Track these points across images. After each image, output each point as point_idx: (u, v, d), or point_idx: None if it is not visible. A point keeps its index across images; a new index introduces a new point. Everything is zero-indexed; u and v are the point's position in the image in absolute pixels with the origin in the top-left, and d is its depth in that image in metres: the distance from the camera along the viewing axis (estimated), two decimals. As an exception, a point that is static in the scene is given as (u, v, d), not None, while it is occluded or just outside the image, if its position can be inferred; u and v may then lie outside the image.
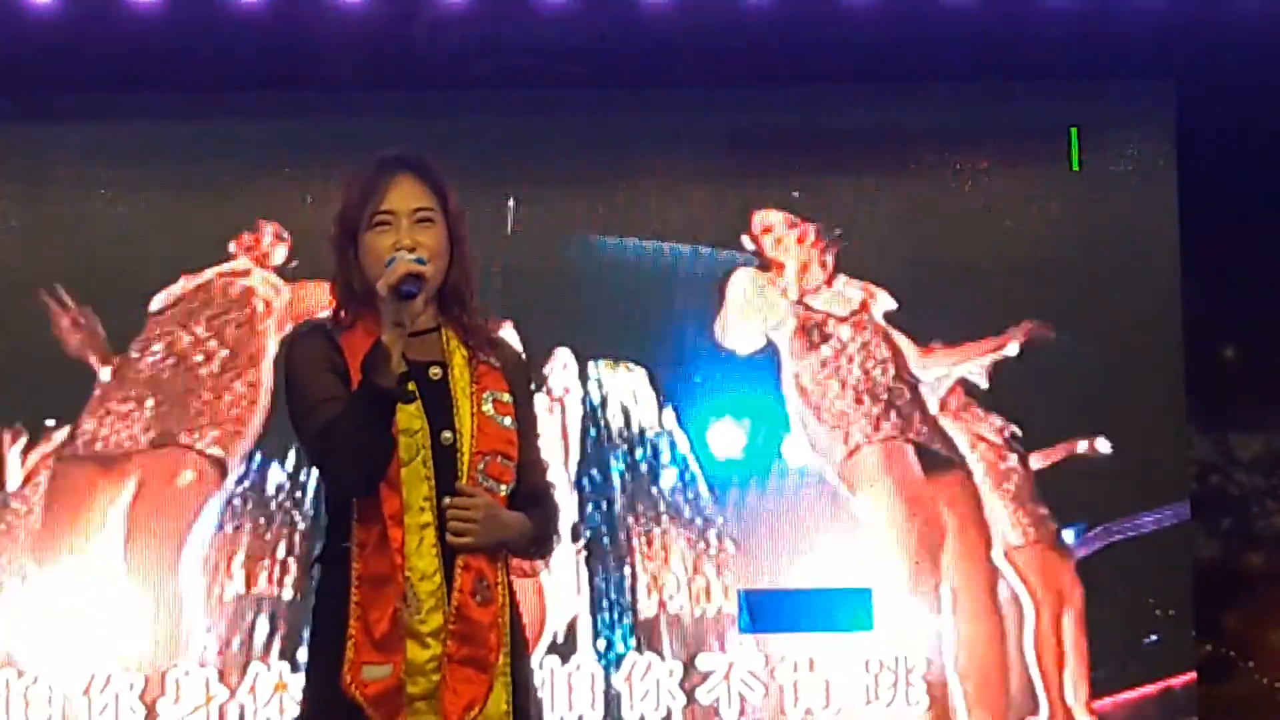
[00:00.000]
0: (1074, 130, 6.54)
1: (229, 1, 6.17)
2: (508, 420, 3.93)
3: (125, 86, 6.42)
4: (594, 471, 6.54)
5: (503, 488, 3.87)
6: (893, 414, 6.57)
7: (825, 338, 6.57)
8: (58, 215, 6.56)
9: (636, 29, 6.34)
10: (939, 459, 6.59)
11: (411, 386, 3.84)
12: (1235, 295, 6.86)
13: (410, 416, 3.82)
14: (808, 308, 6.60)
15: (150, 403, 6.43)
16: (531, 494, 3.99)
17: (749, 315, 6.58)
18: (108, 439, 6.47)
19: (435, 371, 3.86)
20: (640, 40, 6.37)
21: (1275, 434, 7.05)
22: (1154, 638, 6.56)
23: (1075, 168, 6.59)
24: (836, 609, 6.46)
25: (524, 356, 4.12)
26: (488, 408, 3.93)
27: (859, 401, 6.59)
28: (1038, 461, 6.64)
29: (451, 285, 3.87)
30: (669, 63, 6.47)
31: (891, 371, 6.63)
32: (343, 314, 3.89)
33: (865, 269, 6.63)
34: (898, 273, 6.60)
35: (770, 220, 6.57)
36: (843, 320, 6.61)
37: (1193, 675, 6.41)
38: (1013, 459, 6.54)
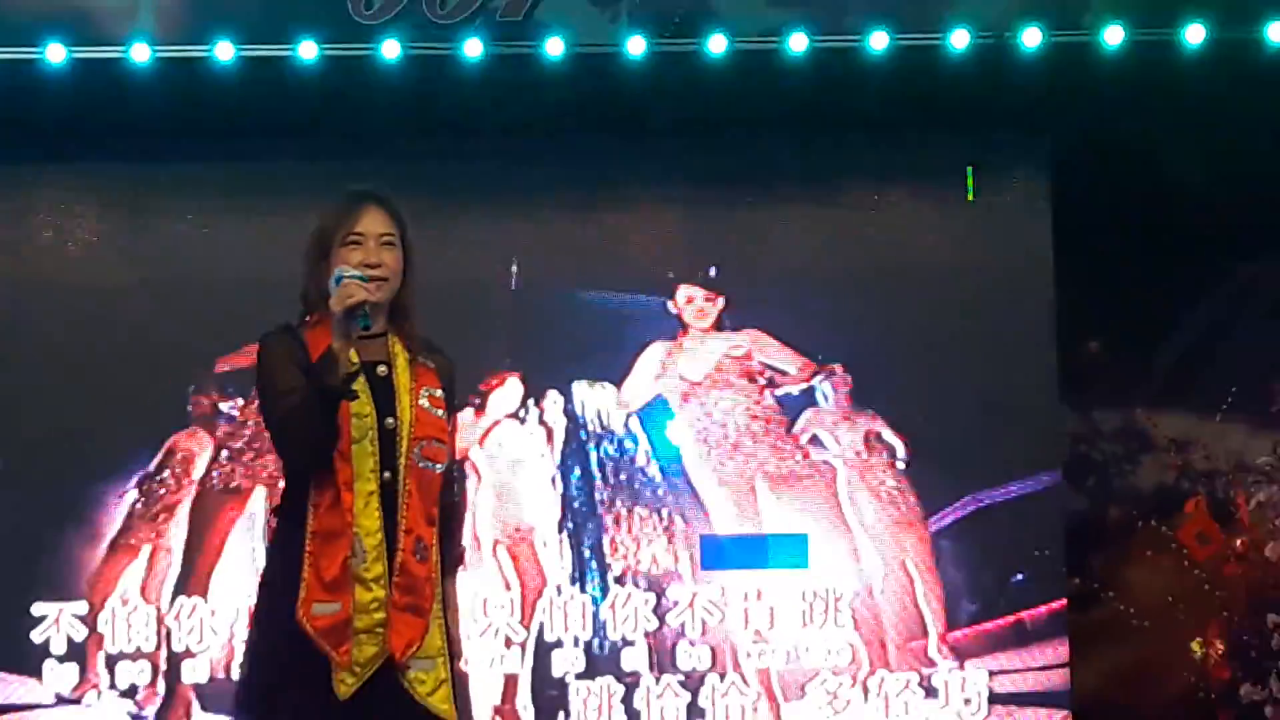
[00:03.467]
0: (970, 169, 6.96)
1: (291, 63, 6.44)
2: (440, 411, 4.22)
3: (211, 134, 6.68)
4: (575, 465, 6.96)
5: (438, 467, 4.18)
6: (770, 441, 6.98)
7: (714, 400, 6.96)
8: (152, 240, 6.89)
9: (614, 85, 6.65)
10: (820, 471, 6.97)
11: (358, 385, 4.09)
12: (1099, 300, 7.18)
13: (361, 405, 4.11)
14: (692, 382, 7.01)
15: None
16: (446, 477, 4.28)
17: (647, 382, 6.95)
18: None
19: (382, 369, 4.15)
20: (614, 96, 6.69)
21: (1130, 411, 7.39)
22: (1023, 576, 7.02)
23: (971, 200, 7.01)
24: (780, 551, 6.92)
25: (453, 365, 4.40)
26: (424, 401, 4.23)
27: (747, 442, 6.97)
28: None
29: (401, 302, 4.21)
30: (641, 114, 6.80)
31: (774, 418, 7.01)
32: (310, 316, 4.21)
33: (800, 286, 6.96)
34: (826, 287, 7.00)
35: (692, 294, 6.95)
36: (724, 380, 7.01)
37: (1064, 602, 6.93)
38: (883, 455, 7.09)
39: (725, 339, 6.97)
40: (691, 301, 6.95)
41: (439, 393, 4.25)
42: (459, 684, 4.27)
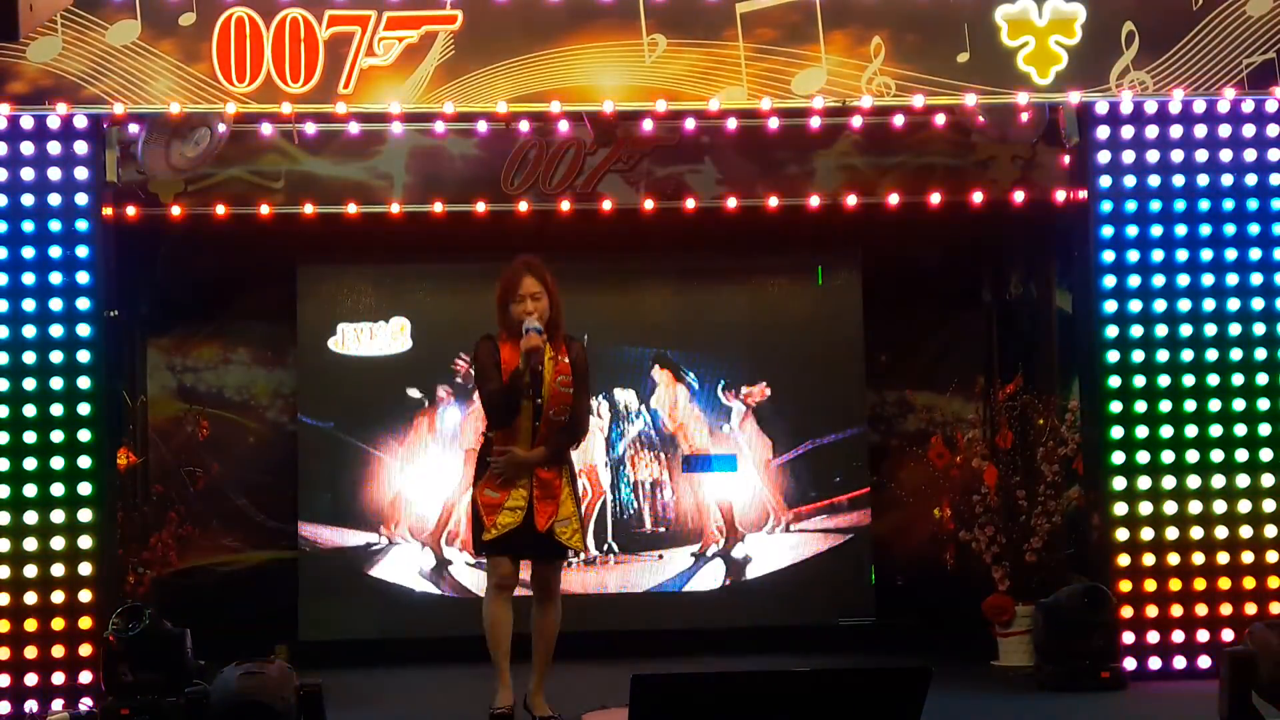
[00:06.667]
0: (820, 268, 9.48)
1: (472, 214, 8.69)
2: (567, 389, 6.12)
3: (433, 251, 9.20)
4: (616, 429, 9.34)
5: (562, 418, 6.10)
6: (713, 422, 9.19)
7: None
8: (402, 299, 9.44)
9: (636, 224, 8.87)
10: (734, 433, 9.25)
11: (527, 380, 5.76)
12: (886, 334, 9.40)
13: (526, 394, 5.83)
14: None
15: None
16: (572, 420, 6.15)
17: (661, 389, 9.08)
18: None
19: (538, 369, 6.02)
20: (636, 230, 8.93)
21: (902, 391, 9.64)
22: (840, 478, 9.53)
23: (820, 283, 9.48)
24: (718, 465, 9.48)
25: (586, 358, 6.16)
26: (558, 384, 6.15)
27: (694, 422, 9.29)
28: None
29: (553, 319, 6.14)
30: (648, 240, 9.07)
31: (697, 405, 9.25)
32: (502, 332, 6.19)
33: (731, 333, 9.34)
34: (743, 336, 9.34)
35: (666, 367, 9.16)
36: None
37: (868, 489, 9.42)
38: (759, 422, 9.24)
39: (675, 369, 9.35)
40: (662, 353, 9.45)
41: (568, 377, 6.10)
42: (584, 527, 6.08)
